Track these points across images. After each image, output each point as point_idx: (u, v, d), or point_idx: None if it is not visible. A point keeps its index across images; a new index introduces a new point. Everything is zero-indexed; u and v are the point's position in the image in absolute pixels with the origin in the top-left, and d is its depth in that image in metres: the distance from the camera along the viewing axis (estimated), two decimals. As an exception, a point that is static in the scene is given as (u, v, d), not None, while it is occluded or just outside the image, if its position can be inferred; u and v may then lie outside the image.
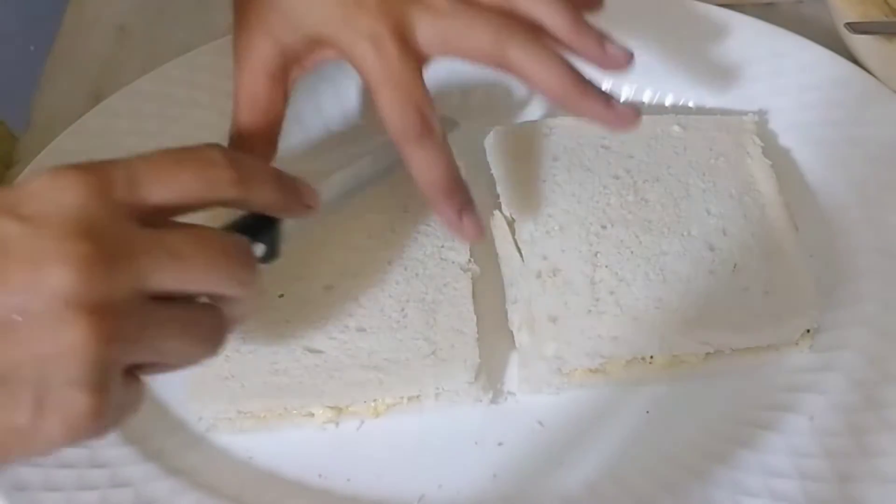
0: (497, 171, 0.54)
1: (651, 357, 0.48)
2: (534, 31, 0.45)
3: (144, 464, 0.46)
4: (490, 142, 0.56)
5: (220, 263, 0.36)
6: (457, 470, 0.46)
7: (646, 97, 0.60)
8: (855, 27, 0.57)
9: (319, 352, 0.47)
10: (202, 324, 0.37)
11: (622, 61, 0.45)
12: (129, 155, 0.37)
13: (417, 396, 0.47)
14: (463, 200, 0.46)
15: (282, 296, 0.50)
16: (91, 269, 0.32)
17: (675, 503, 0.45)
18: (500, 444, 0.47)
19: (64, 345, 0.32)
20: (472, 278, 0.50)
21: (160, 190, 0.36)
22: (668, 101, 0.60)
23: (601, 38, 0.46)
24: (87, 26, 0.68)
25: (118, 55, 0.66)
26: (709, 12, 0.62)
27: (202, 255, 0.36)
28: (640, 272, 0.49)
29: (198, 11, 0.69)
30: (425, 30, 0.45)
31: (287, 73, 0.48)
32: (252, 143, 0.47)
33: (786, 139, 0.58)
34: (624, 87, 0.60)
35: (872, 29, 0.57)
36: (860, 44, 0.58)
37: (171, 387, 0.49)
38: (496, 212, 0.53)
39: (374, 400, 0.47)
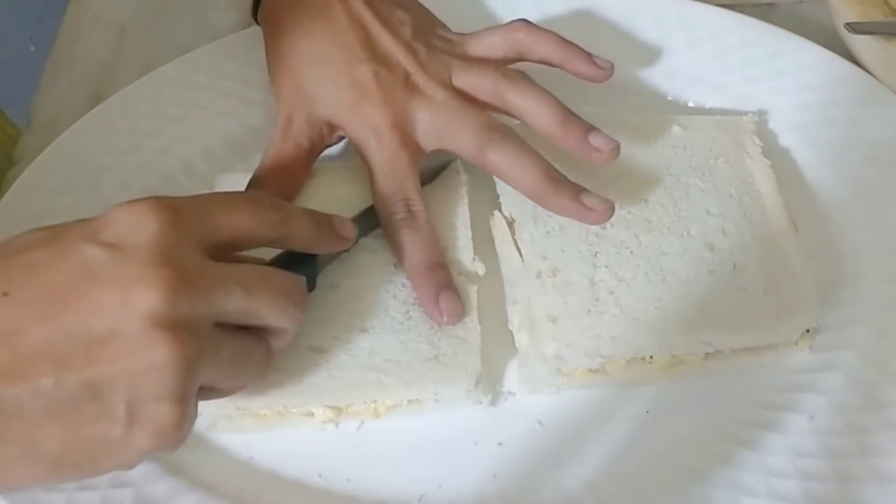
0: (497, 171, 0.54)
1: (651, 357, 0.48)
2: (512, 135, 0.49)
3: (144, 464, 0.46)
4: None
5: (282, 300, 0.40)
6: (457, 470, 0.46)
7: (646, 97, 0.60)
8: (855, 27, 0.57)
9: (322, 350, 0.47)
10: (255, 353, 0.41)
11: (606, 153, 0.49)
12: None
13: (417, 399, 0.47)
14: (440, 283, 0.48)
15: None
16: (175, 292, 0.35)
17: (674, 503, 0.45)
18: (500, 444, 0.47)
19: (154, 361, 0.35)
20: (477, 285, 0.50)
21: (223, 225, 0.39)
22: (667, 102, 0.60)
23: (586, 131, 0.50)
24: (87, 26, 0.68)
25: (118, 55, 0.66)
26: (709, 12, 0.62)
27: (268, 290, 0.39)
28: (640, 272, 0.49)
29: (198, 11, 0.69)
30: (423, 124, 0.51)
31: (313, 144, 0.53)
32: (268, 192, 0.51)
33: (785, 139, 0.58)
34: (624, 87, 0.60)
35: (872, 29, 0.57)
36: (860, 44, 0.58)
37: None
38: (496, 212, 0.53)
39: (374, 401, 0.47)
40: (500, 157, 0.49)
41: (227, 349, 0.38)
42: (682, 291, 0.49)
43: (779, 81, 0.59)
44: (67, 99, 0.64)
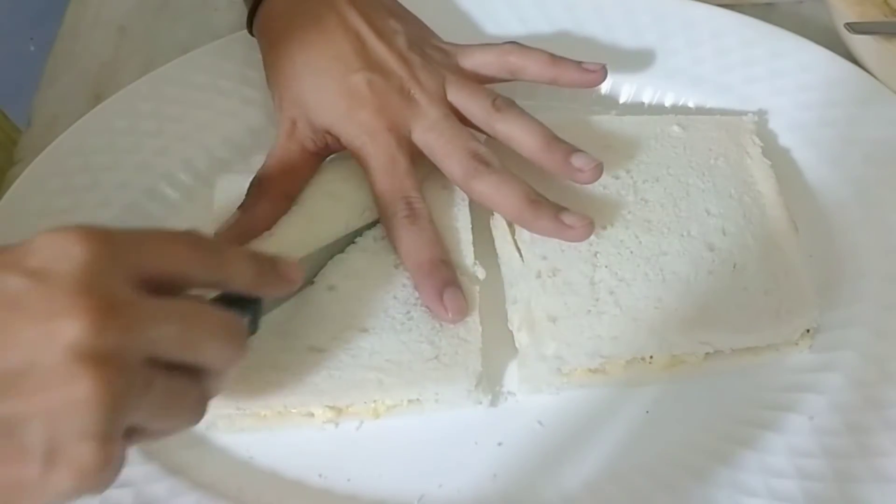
0: (497, 171, 0.54)
1: (651, 357, 0.48)
2: (496, 165, 0.50)
3: (144, 464, 0.46)
4: (490, 142, 0.56)
5: (219, 339, 0.37)
6: (457, 470, 0.47)
7: (646, 97, 0.60)
8: (855, 27, 0.57)
9: (321, 350, 0.47)
10: (188, 394, 0.37)
11: (588, 171, 0.50)
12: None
13: (418, 399, 0.47)
14: (445, 280, 0.48)
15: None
16: (101, 323, 0.33)
17: (674, 503, 0.45)
18: (500, 443, 0.47)
19: (76, 396, 0.32)
20: (478, 286, 0.50)
21: (157, 261, 0.37)
22: (667, 102, 0.60)
23: (569, 153, 0.50)
24: (87, 26, 0.68)
25: (118, 55, 0.66)
26: (709, 12, 0.62)
27: (204, 328, 0.37)
28: (640, 272, 0.49)
29: (198, 11, 0.69)
30: (416, 133, 0.52)
31: (318, 148, 0.53)
32: (270, 192, 0.52)
33: (785, 139, 0.58)
34: (624, 87, 0.60)
35: (872, 29, 0.57)
36: (860, 44, 0.58)
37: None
38: (496, 212, 0.53)
39: (374, 401, 0.47)
40: (483, 187, 0.50)
41: (157, 388, 0.35)
42: (682, 291, 0.49)
43: (779, 81, 0.59)
44: (67, 99, 0.64)
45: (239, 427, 0.48)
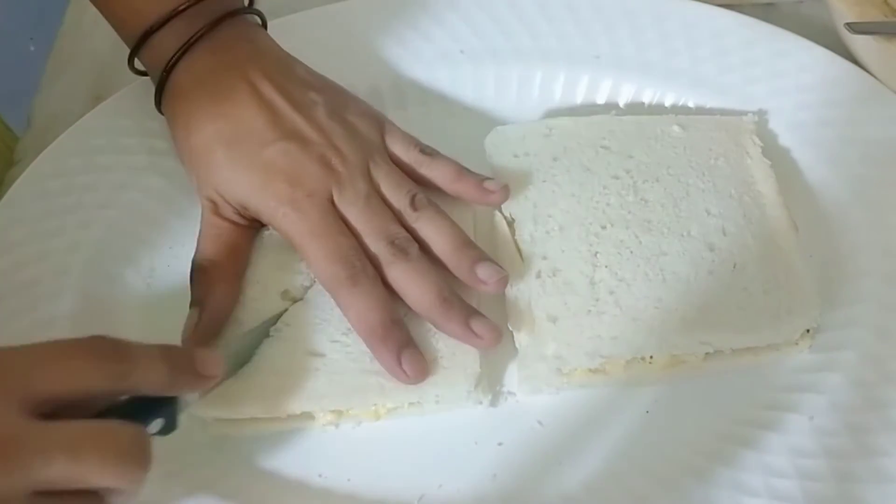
0: (497, 171, 0.54)
1: (651, 357, 0.48)
2: (413, 254, 0.48)
3: (144, 464, 0.46)
4: (489, 142, 0.56)
5: (115, 461, 0.36)
6: (457, 470, 0.46)
7: (646, 97, 0.60)
8: (855, 27, 0.57)
9: (321, 355, 0.47)
10: None
11: (492, 285, 0.48)
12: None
13: (418, 402, 0.47)
14: (400, 343, 0.46)
15: (286, 291, 0.50)
16: None
17: (674, 503, 0.45)
18: (499, 443, 0.47)
19: None
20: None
21: (54, 380, 0.36)
22: (668, 102, 0.60)
23: (475, 262, 0.48)
24: (87, 26, 0.68)
25: (118, 55, 0.66)
26: (709, 12, 0.62)
27: (98, 452, 0.35)
28: (640, 272, 0.49)
29: (198, 11, 0.69)
30: (338, 203, 0.49)
31: (248, 221, 0.51)
32: (216, 278, 0.49)
33: (785, 139, 0.58)
34: (624, 87, 0.60)
35: (872, 29, 0.57)
36: (860, 44, 0.58)
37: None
38: (496, 212, 0.53)
39: (374, 404, 0.47)
40: (398, 275, 0.48)
41: None
42: (682, 291, 0.49)
43: (779, 81, 0.59)
44: (67, 99, 0.64)
45: (239, 429, 0.48)
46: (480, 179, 0.52)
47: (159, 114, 0.56)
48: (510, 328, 0.49)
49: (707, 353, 0.48)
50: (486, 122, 0.58)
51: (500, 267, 0.49)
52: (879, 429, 0.46)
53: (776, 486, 0.44)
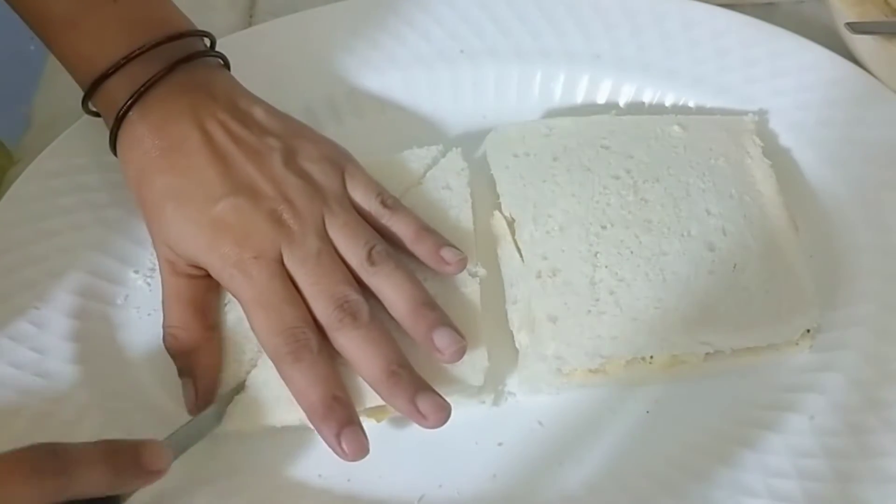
0: (497, 171, 0.54)
1: (651, 357, 0.48)
2: (363, 319, 0.46)
3: (144, 464, 0.46)
4: (489, 142, 0.56)
5: None
6: (457, 470, 0.47)
7: (646, 97, 0.60)
8: (855, 27, 0.57)
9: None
10: None
11: (448, 355, 0.46)
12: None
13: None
14: (340, 421, 0.44)
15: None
16: None
17: (675, 503, 0.45)
18: (499, 444, 0.47)
19: None
20: (478, 280, 0.50)
21: None
22: (668, 102, 0.60)
23: (432, 327, 0.46)
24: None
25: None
26: (709, 12, 0.62)
27: None
28: (640, 272, 0.49)
29: (197, 11, 0.68)
30: (287, 262, 0.47)
31: (207, 274, 0.49)
32: (193, 338, 0.48)
33: (786, 139, 0.58)
34: (624, 87, 0.60)
35: (872, 29, 0.57)
36: (860, 44, 0.58)
37: (171, 387, 0.49)
38: (496, 212, 0.53)
39: (377, 405, 0.47)
40: (346, 342, 0.46)
41: None
42: (683, 291, 0.49)
43: (779, 81, 0.59)
44: (67, 99, 0.64)
45: (241, 431, 0.48)
46: (439, 244, 0.49)
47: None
48: (510, 328, 0.49)
49: (707, 354, 0.48)
50: (486, 122, 0.58)
51: (459, 334, 0.46)
52: (879, 429, 0.46)
53: (776, 486, 0.44)
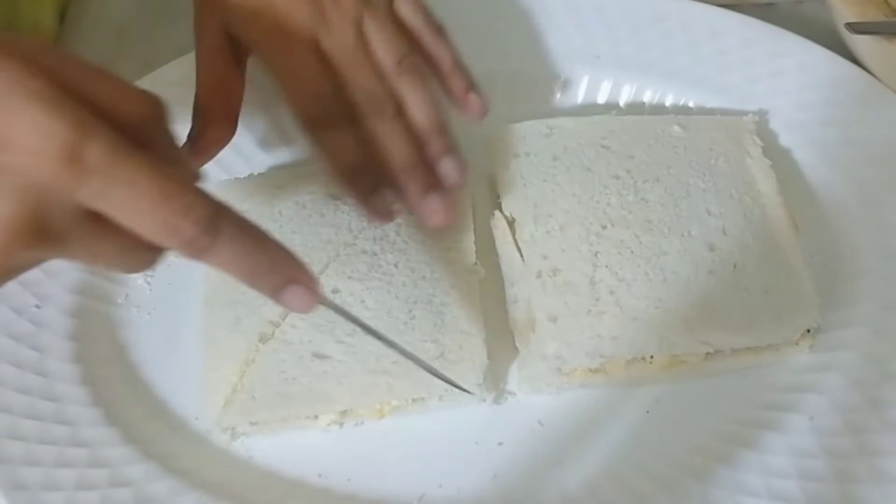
0: (497, 171, 0.54)
1: (651, 357, 0.48)
2: (389, 113, 0.49)
3: (144, 464, 0.46)
4: (490, 142, 0.56)
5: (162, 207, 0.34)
6: (457, 470, 0.47)
7: (646, 97, 0.60)
8: (855, 27, 0.57)
9: (327, 357, 0.47)
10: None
11: (453, 178, 0.50)
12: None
13: (422, 398, 0.47)
14: (370, 184, 0.49)
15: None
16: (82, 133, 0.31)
17: (674, 503, 0.45)
18: (500, 443, 0.47)
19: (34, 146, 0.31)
20: (478, 278, 0.50)
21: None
22: (668, 102, 0.60)
23: (443, 151, 0.50)
24: (87, 26, 0.68)
25: (118, 55, 0.66)
26: (709, 12, 0.62)
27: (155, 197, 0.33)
28: (641, 272, 0.49)
29: (198, 11, 0.69)
30: (326, 47, 0.49)
31: (239, 54, 0.52)
32: (212, 117, 0.51)
33: (786, 139, 0.58)
34: (624, 87, 0.60)
35: (872, 29, 0.57)
36: (860, 44, 0.58)
37: (171, 387, 0.49)
38: (496, 212, 0.53)
39: (381, 403, 0.47)
40: (372, 129, 0.49)
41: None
42: (683, 291, 0.49)
43: (779, 81, 0.59)
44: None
45: (242, 433, 0.48)
46: (470, 85, 0.52)
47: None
48: (510, 328, 0.49)
49: (707, 353, 0.48)
50: (486, 121, 0.58)
51: (462, 163, 0.50)
52: (879, 429, 0.46)
53: (776, 486, 0.44)
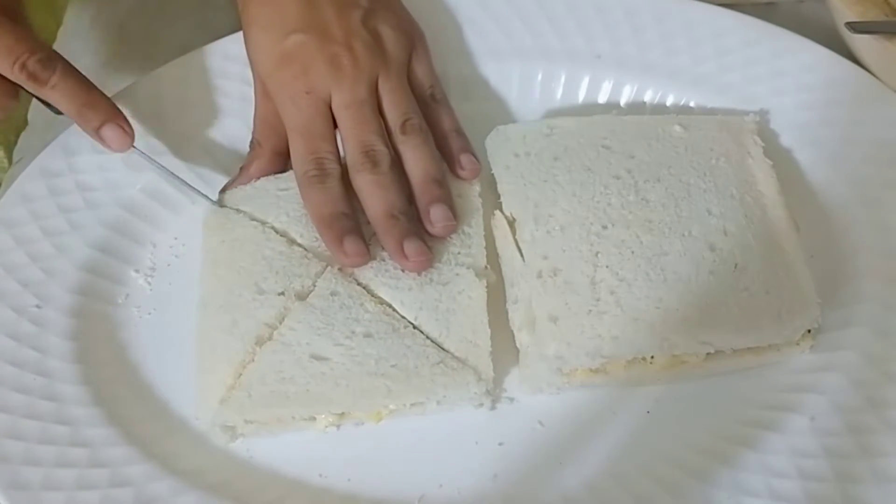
0: (497, 171, 0.54)
1: (651, 357, 0.48)
2: (383, 167, 0.51)
3: (144, 464, 0.46)
4: (490, 142, 0.56)
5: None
6: (457, 470, 0.46)
7: (647, 97, 0.60)
8: (855, 27, 0.57)
9: (325, 359, 0.47)
10: None
11: (441, 227, 0.51)
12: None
13: (420, 402, 0.47)
14: (344, 230, 0.50)
15: (282, 294, 0.49)
16: None
17: (675, 503, 0.45)
18: (500, 443, 0.47)
19: None
20: (486, 280, 0.50)
21: None
22: (669, 102, 0.60)
23: (435, 200, 0.51)
24: (87, 26, 0.68)
25: (118, 55, 0.66)
26: (709, 12, 0.62)
27: None
28: (641, 272, 0.49)
29: (198, 11, 0.69)
30: (334, 104, 0.53)
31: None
32: (260, 152, 0.55)
33: (786, 139, 0.57)
34: (625, 87, 0.60)
35: (872, 29, 0.57)
36: (860, 44, 0.58)
37: (171, 387, 0.49)
38: (496, 212, 0.53)
39: (379, 406, 0.47)
40: (362, 183, 0.51)
41: None
42: (683, 291, 0.49)
43: (780, 81, 0.59)
44: (67, 98, 0.64)
45: (240, 434, 0.48)
46: (462, 149, 0.55)
47: (156, 114, 0.57)
48: (511, 328, 0.49)
49: (708, 354, 0.48)
50: (486, 121, 0.58)
51: (453, 216, 0.51)
52: (879, 429, 0.46)
53: (777, 486, 0.44)
